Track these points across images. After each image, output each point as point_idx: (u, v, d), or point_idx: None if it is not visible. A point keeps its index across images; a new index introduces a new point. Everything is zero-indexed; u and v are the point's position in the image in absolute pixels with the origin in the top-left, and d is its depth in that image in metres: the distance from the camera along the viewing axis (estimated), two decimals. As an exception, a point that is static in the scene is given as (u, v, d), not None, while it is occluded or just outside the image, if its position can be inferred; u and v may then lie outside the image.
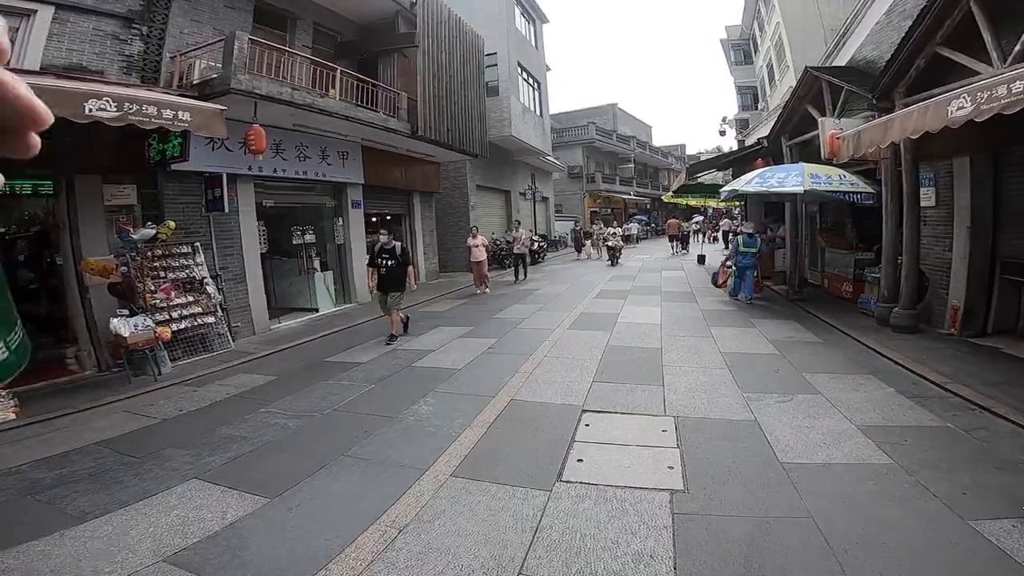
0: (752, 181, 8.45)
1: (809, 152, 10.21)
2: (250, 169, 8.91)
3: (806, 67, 9.32)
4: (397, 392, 5.50)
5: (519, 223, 16.06)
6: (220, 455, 4.13)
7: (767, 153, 11.55)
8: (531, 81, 21.03)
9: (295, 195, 10.58)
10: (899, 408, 4.51)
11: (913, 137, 4.63)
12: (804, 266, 11.02)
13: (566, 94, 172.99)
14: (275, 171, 9.39)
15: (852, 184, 7.95)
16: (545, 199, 27.35)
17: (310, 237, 10.63)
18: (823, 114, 9.20)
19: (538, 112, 21.66)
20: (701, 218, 19.58)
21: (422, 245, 14.79)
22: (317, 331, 9.19)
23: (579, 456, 3.78)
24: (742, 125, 22.69)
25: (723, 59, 30.58)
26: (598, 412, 4.59)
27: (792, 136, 10.65)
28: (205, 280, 8.04)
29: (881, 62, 8.45)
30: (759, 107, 25.90)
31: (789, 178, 8.01)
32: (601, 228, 21.47)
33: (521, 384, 5.43)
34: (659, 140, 53.04)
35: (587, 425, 4.32)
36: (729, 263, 10.31)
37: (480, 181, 18.68)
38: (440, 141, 12.22)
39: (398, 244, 8.10)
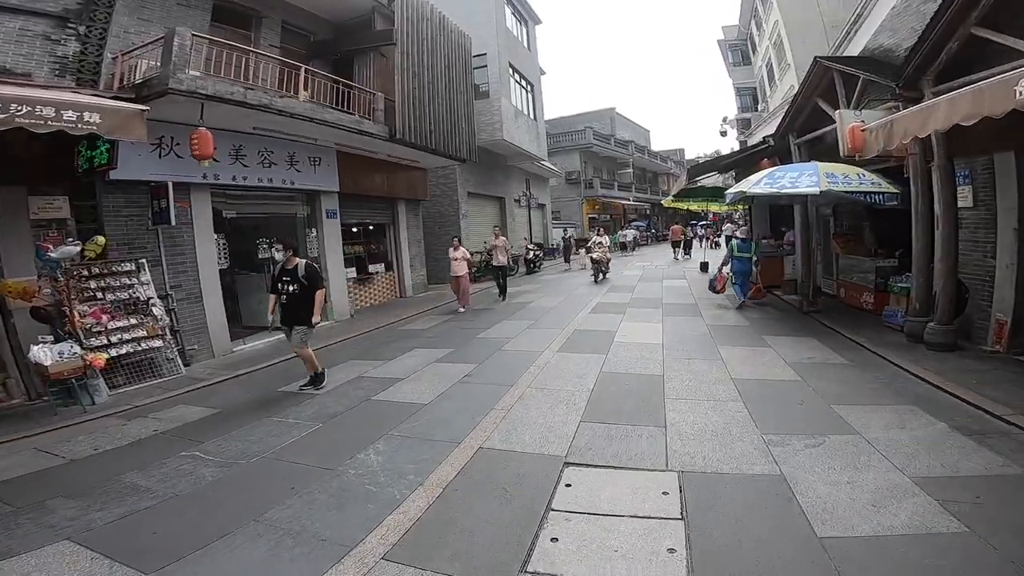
0: (760, 182, 7.59)
1: (820, 150, 9.38)
2: (205, 177, 8.11)
3: (816, 57, 8.50)
4: (346, 434, 4.65)
5: (498, 229, 14.06)
6: (111, 510, 3.40)
7: (773, 152, 10.70)
8: (524, 83, 20.30)
9: (262, 204, 9.75)
10: (959, 451, 3.63)
11: (966, 124, 3.77)
12: (817, 274, 10.13)
13: (563, 99, 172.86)
14: (235, 179, 8.58)
15: (873, 183, 7.10)
16: (542, 206, 26.58)
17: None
18: (835, 108, 8.36)
19: (532, 115, 20.91)
20: (706, 223, 18.81)
21: (408, 256, 13.96)
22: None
23: (554, 533, 2.90)
24: (743, 125, 21.90)
25: (720, 61, 29.88)
26: (583, 466, 3.70)
27: (801, 133, 9.81)
28: (151, 301, 7.22)
29: (900, 50, 7.65)
30: (759, 108, 25.16)
31: (802, 178, 7.16)
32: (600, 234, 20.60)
33: (495, 425, 4.54)
34: (658, 144, 52.50)
35: (568, 485, 3.43)
36: (726, 268, 10.18)
37: (472, 188, 17.90)
38: (422, 145, 11.42)
39: (302, 263, 6.11)
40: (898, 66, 7.08)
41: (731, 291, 10.09)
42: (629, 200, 38.21)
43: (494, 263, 12.62)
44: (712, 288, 10.78)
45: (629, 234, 30.76)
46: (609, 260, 15.56)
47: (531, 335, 8.08)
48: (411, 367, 6.75)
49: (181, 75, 6.75)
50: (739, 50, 28.32)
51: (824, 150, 9.29)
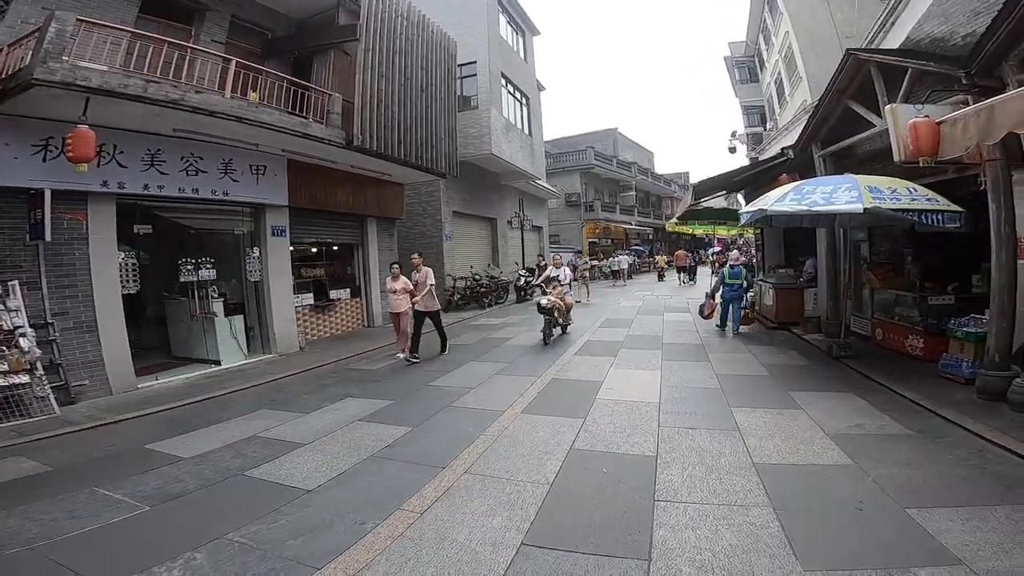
0: (785, 198, 6.08)
1: (848, 164, 7.90)
2: (106, 185, 6.70)
3: (848, 50, 7.07)
4: (168, 527, 3.31)
5: (419, 257, 8.93)
6: None
7: (793, 166, 9.24)
8: (518, 95, 19.08)
9: (190, 219, 8.31)
10: None
11: None
12: (846, 311, 8.54)
13: (564, 119, 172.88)
14: (147, 188, 7.18)
15: (929, 200, 5.57)
16: (538, 228, 25.20)
17: (208, 272, 8.32)
18: (872, 109, 6.91)
19: (526, 130, 19.64)
20: (718, 248, 17.41)
21: (378, 281, 12.44)
22: (199, 393, 6.89)
23: None
24: (755, 141, 20.46)
25: (727, 79, 28.77)
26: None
27: (826, 144, 8.35)
28: (18, 330, 5.80)
29: (957, 38, 6.19)
30: (767, 127, 23.94)
31: (839, 193, 5.65)
32: (584, 263, 19.02)
33: (390, 541, 2.96)
34: (662, 167, 51.31)
35: None
36: (715, 294, 9.98)
37: (458, 207, 16.51)
38: (388, 155, 10.02)
39: None
40: (958, 56, 5.65)
41: (718, 316, 10.05)
42: (631, 224, 36.82)
43: (418, 306, 8.36)
44: (701, 313, 10.49)
45: (623, 260, 25.63)
46: (571, 307, 10.17)
47: (497, 384, 6.48)
48: (326, 426, 5.20)
49: (54, 64, 5.42)
50: (746, 67, 27.31)
51: (854, 163, 7.80)
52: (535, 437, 4.60)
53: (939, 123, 3.87)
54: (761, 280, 11.39)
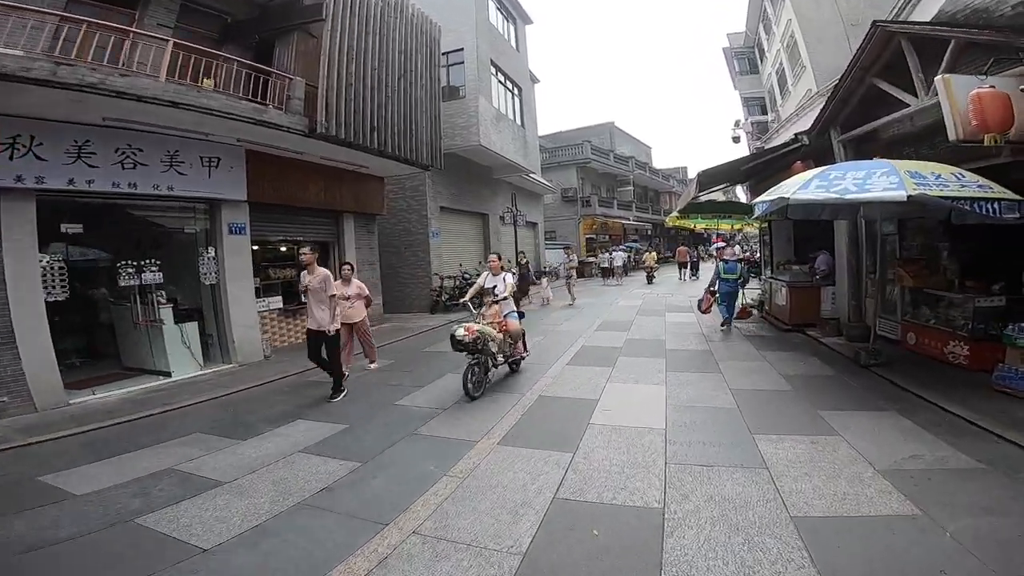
0: (810, 185, 5.18)
1: (872, 149, 6.98)
2: (21, 180, 5.78)
3: (875, 23, 6.14)
4: None
5: (311, 251, 6.73)
6: None
7: (808, 153, 8.34)
8: (509, 85, 18.11)
9: (130, 217, 7.41)
10: None
11: None
12: (868, 312, 7.66)
13: (560, 114, 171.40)
14: (73, 183, 6.24)
15: (981, 188, 4.66)
16: (533, 224, 24.27)
17: (153, 275, 7.39)
18: (904, 88, 6.01)
19: (518, 121, 18.68)
20: (723, 244, 16.55)
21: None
22: (136, 410, 6.06)
23: None
24: (759, 130, 19.50)
25: (726, 71, 27.84)
26: None
27: (846, 128, 7.47)
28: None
29: (1004, 7, 5.24)
30: (769, 119, 23.08)
31: (875, 179, 4.75)
32: (570, 259, 16.90)
33: None
34: (660, 162, 50.35)
35: None
36: (713, 288, 9.99)
37: (446, 202, 15.56)
38: (359, 144, 9.08)
39: None
40: (1013, 25, 4.74)
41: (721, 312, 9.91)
42: (629, 219, 35.91)
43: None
44: (699, 308, 10.56)
45: (618, 257, 23.55)
46: (518, 335, 6.63)
47: (474, 403, 5.56)
48: (259, 458, 4.33)
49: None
50: (746, 58, 26.46)
51: (878, 149, 6.89)
52: (511, 479, 3.69)
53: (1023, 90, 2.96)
54: (771, 278, 10.49)
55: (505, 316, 6.52)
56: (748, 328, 9.62)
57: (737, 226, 16.38)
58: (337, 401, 6.01)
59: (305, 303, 6.54)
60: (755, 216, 6.49)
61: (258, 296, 9.37)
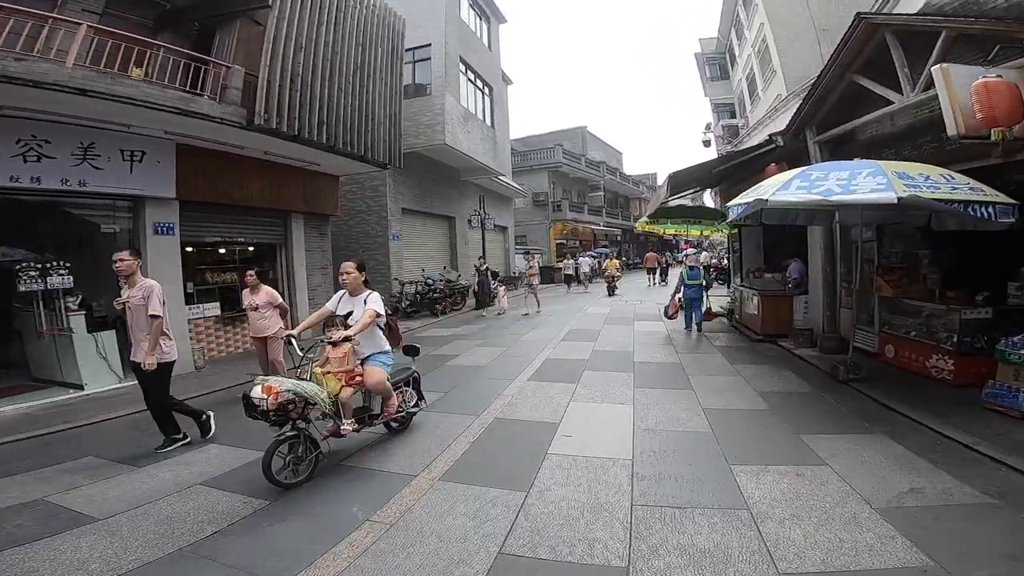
0: (790, 187, 4.75)
1: (851, 150, 6.66)
2: None
3: (859, 15, 5.79)
4: None
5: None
6: None
7: (784, 155, 8.02)
8: (479, 84, 17.55)
9: (34, 216, 6.51)
10: None
11: None
12: (842, 322, 7.35)
13: (532, 117, 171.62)
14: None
15: (972, 190, 4.30)
16: (503, 229, 23.73)
17: (61, 279, 6.49)
18: (888, 85, 5.68)
19: (488, 122, 18.12)
20: (693, 251, 16.38)
21: (306, 288, 10.71)
22: (32, 428, 5.30)
23: None
24: (730, 134, 19.44)
25: (697, 78, 27.98)
26: None
27: (823, 128, 7.14)
28: None
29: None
30: (739, 123, 23.22)
31: (861, 180, 4.35)
32: (531, 265, 15.28)
33: None
34: (630, 168, 50.54)
35: None
36: (678, 295, 10.19)
37: (408, 204, 14.85)
38: (306, 138, 8.33)
39: None
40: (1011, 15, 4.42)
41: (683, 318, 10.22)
42: (599, 225, 35.78)
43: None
44: (665, 314, 10.69)
45: (584, 263, 22.50)
46: (387, 395, 4.38)
47: (421, 427, 4.89)
48: (151, 491, 3.70)
49: None
50: (717, 64, 26.67)
51: (857, 150, 6.56)
52: (449, 527, 3.06)
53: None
54: (742, 286, 10.16)
55: (363, 362, 4.25)
56: (718, 338, 9.24)
57: (707, 232, 16.17)
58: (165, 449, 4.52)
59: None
60: (729, 220, 6.07)
61: (192, 302, 8.54)
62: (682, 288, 9.95)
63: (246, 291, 6.22)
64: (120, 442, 4.82)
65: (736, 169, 9.81)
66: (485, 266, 14.67)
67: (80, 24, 5.82)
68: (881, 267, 6.67)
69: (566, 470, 3.79)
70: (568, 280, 22.13)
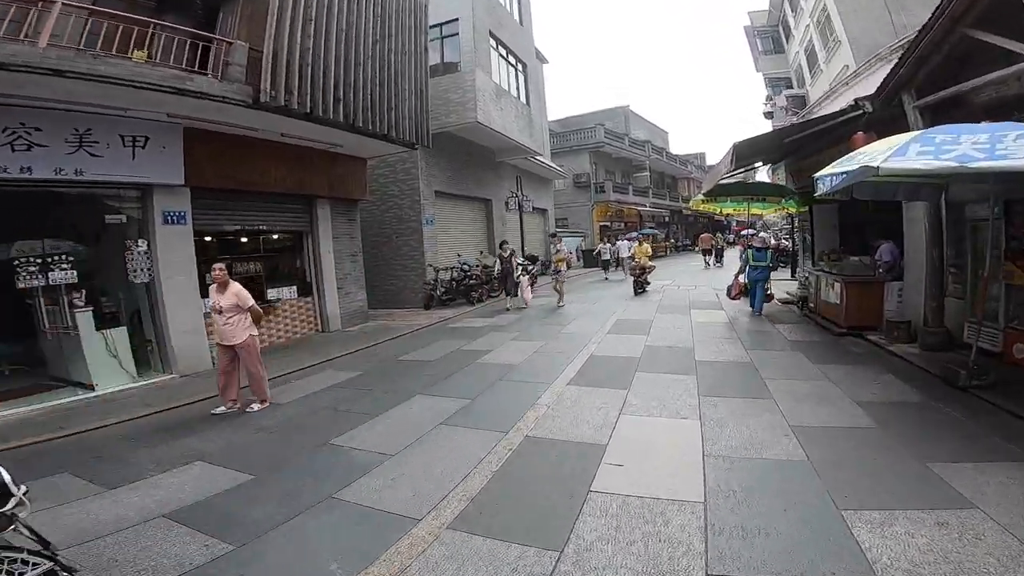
0: (907, 152, 3.65)
1: (959, 117, 5.26)
2: None
3: None
4: None
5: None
6: None
7: (872, 123, 6.69)
8: (512, 60, 16.50)
9: (32, 207, 6.11)
10: None
11: None
12: (942, 313, 6.04)
13: (571, 98, 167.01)
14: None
15: None
16: (542, 211, 22.73)
17: (64, 274, 6.09)
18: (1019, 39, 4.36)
19: (523, 99, 17.07)
20: (760, 233, 14.81)
21: (334, 277, 10.16)
22: (28, 435, 4.88)
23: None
24: (796, 104, 17.46)
25: (747, 52, 25.66)
26: None
27: (924, 92, 5.83)
28: None
29: None
30: (804, 95, 21.05)
31: (1010, 144, 3.23)
32: (557, 250, 13.30)
33: None
34: (676, 148, 47.88)
35: None
36: (742, 276, 10.23)
37: (442, 187, 14.09)
38: (320, 117, 7.64)
39: None
40: None
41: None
42: (646, 206, 34.06)
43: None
44: (728, 294, 10.85)
45: (623, 246, 19.07)
46: None
47: (436, 447, 4.06)
48: (108, 521, 3.09)
49: None
50: (769, 37, 24.35)
51: (969, 115, 5.21)
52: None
53: None
54: (819, 271, 8.80)
55: None
56: (791, 330, 8.00)
57: (768, 211, 14.64)
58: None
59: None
60: (820, 192, 4.93)
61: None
62: (747, 269, 9.80)
63: (212, 288, 5.36)
64: (103, 456, 4.31)
65: (811, 139, 8.42)
66: (510, 251, 12.58)
67: (55, 2, 5.25)
68: (1011, 250, 5.31)
69: (614, 517, 2.89)
70: (606, 266, 20.09)
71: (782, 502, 2.97)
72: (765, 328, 8.28)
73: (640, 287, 13.40)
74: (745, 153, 8.29)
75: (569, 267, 23.77)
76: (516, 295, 12.15)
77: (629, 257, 16.49)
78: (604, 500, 3.06)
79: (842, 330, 7.37)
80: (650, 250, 14.84)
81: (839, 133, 7.64)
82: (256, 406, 5.40)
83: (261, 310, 5.45)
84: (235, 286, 5.28)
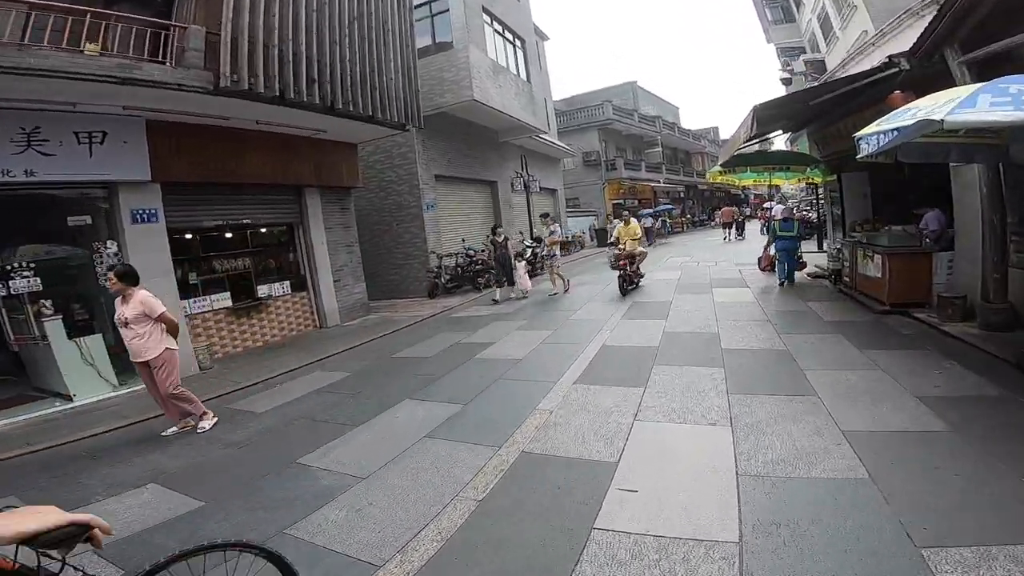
0: (975, 102, 2.97)
1: (1007, 72, 4.45)
2: None
3: None
4: None
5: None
6: None
7: (907, 82, 5.85)
8: (509, 36, 15.62)
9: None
10: None
11: None
12: (1005, 286, 5.23)
13: (576, 78, 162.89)
14: None
15: None
16: (551, 191, 21.94)
17: (26, 282, 5.62)
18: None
19: (523, 75, 16.20)
20: (780, 206, 13.79)
21: (329, 269, 9.62)
22: (9, 449, 4.60)
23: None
24: (816, 69, 16.19)
25: (756, 25, 24.16)
26: None
27: (970, 47, 4.99)
28: None
29: None
30: (825, 59, 19.69)
31: None
32: (552, 230, 11.59)
33: None
34: (688, 124, 46.14)
35: None
36: (771, 249, 10.18)
37: (442, 170, 13.41)
38: (293, 100, 6.99)
39: None
40: None
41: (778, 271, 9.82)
42: (659, 182, 32.97)
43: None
44: (759, 266, 10.96)
45: (649, 220, 18.46)
46: None
47: (416, 468, 3.46)
48: None
49: None
50: (779, 6, 22.90)
51: (1018, 72, 4.39)
52: None
53: None
54: (856, 242, 7.95)
55: None
56: (827, 308, 7.20)
57: (791, 181, 13.68)
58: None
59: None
60: (863, 154, 4.18)
61: (196, 294, 7.64)
62: (776, 240, 9.68)
63: (118, 300, 4.59)
64: (60, 476, 3.92)
65: (838, 103, 7.49)
66: (503, 236, 10.98)
67: None
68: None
69: (623, 567, 2.25)
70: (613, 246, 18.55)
71: (841, 539, 2.31)
72: (797, 307, 7.49)
73: (629, 283, 9.74)
74: (767, 117, 7.43)
75: (582, 247, 22.98)
76: (514, 284, 10.92)
77: (611, 243, 11.50)
78: (611, 542, 2.42)
79: (885, 307, 6.57)
80: (639, 231, 11.01)
81: (870, 94, 6.81)
82: (206, 423, 4.74)
83: (175, 319, 4.72)
84: (141, 294, 4.51)
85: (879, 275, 6.74)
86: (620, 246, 10.32)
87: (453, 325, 8.66)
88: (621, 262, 9.81)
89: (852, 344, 5.26)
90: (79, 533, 1.16)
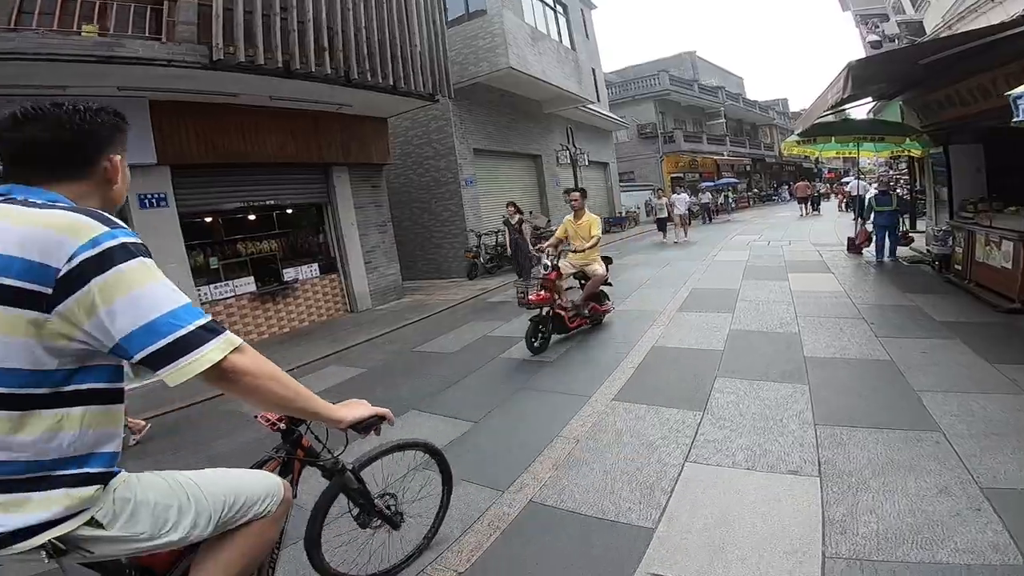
0: None
1: None
2: None
3: None
4: None
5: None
6: None
7: None
8: (548, 1, 14.50)
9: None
10: None
11: None
12: None
13: (628, 51, 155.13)
14: None
15: None
16: (603, 165, 20.72)
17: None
18: None
19: (566, 42, 15.03)
20: (859, 182, 12.10)
21: (360, 251, 9.16)
22: None
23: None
24: (912, 31, 13.78)
25: None
26: None
27: None
28: None
29: None
30: (922, 21, 16.98)
31: None
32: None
33: None
34: (753, 95, 42.54)
35: None
36: (867, 224, 9.63)
37: (482, 144, 12.64)
38: (301, 72, 6.39)
39: None
40: None
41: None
42: (723, 155, 30.72)
43: None
44: (850, 247, 9.96)
45: (679, 201, 15.64)
46: None
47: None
48: None
49: None
50: None
51: None
52: None
53: None
54: (969, 224, 6.51)
55: None
56: (934, 304, 5.81)
57: (883, 154, 11.85)
58: None
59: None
60: (1020, 119, 3.03)
61: (218, 279, 7.34)
62: (872, 215, 9.16)
63: None
64: None
65: (953, 61, 5.94)
66: (517, 217, 9.59)
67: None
68: None
69: None
70: (662, 225, 15.72)
71: None
72: (898, 300, 6.16)
73: (562, 325, 5.55)
74: (866, 75, 6.06)
75: (637, 223, 21.64)
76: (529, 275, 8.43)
77: (537, 248, 6.55)
78: None
79: (1014, 305, 5.21)
80: (596, 230, 5.71)
81: (994, 55, 5.35)
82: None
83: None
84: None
85: (1008, 265, 5.35)
86: (551, 257, 5.49)
87: (485, 314, 7.94)
88: (539, 294, 5.23)
89: (978, 355, 4.04)
90: (377, 421, 1.50)
